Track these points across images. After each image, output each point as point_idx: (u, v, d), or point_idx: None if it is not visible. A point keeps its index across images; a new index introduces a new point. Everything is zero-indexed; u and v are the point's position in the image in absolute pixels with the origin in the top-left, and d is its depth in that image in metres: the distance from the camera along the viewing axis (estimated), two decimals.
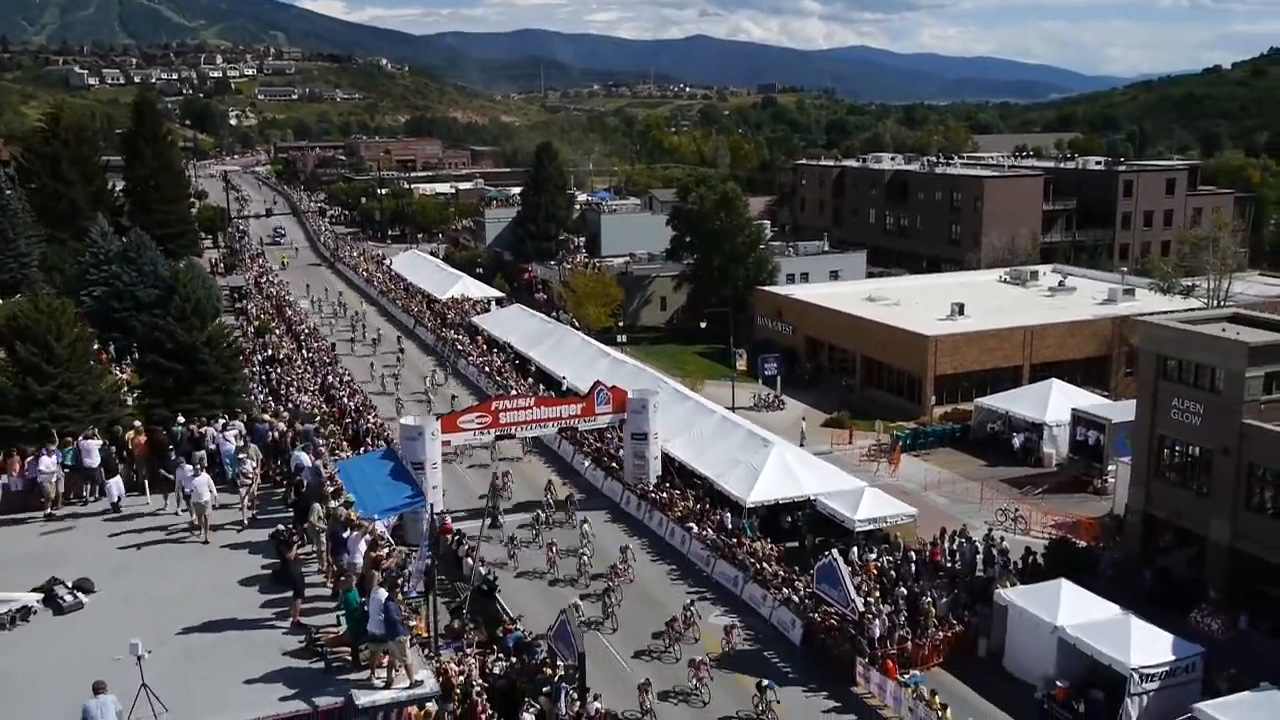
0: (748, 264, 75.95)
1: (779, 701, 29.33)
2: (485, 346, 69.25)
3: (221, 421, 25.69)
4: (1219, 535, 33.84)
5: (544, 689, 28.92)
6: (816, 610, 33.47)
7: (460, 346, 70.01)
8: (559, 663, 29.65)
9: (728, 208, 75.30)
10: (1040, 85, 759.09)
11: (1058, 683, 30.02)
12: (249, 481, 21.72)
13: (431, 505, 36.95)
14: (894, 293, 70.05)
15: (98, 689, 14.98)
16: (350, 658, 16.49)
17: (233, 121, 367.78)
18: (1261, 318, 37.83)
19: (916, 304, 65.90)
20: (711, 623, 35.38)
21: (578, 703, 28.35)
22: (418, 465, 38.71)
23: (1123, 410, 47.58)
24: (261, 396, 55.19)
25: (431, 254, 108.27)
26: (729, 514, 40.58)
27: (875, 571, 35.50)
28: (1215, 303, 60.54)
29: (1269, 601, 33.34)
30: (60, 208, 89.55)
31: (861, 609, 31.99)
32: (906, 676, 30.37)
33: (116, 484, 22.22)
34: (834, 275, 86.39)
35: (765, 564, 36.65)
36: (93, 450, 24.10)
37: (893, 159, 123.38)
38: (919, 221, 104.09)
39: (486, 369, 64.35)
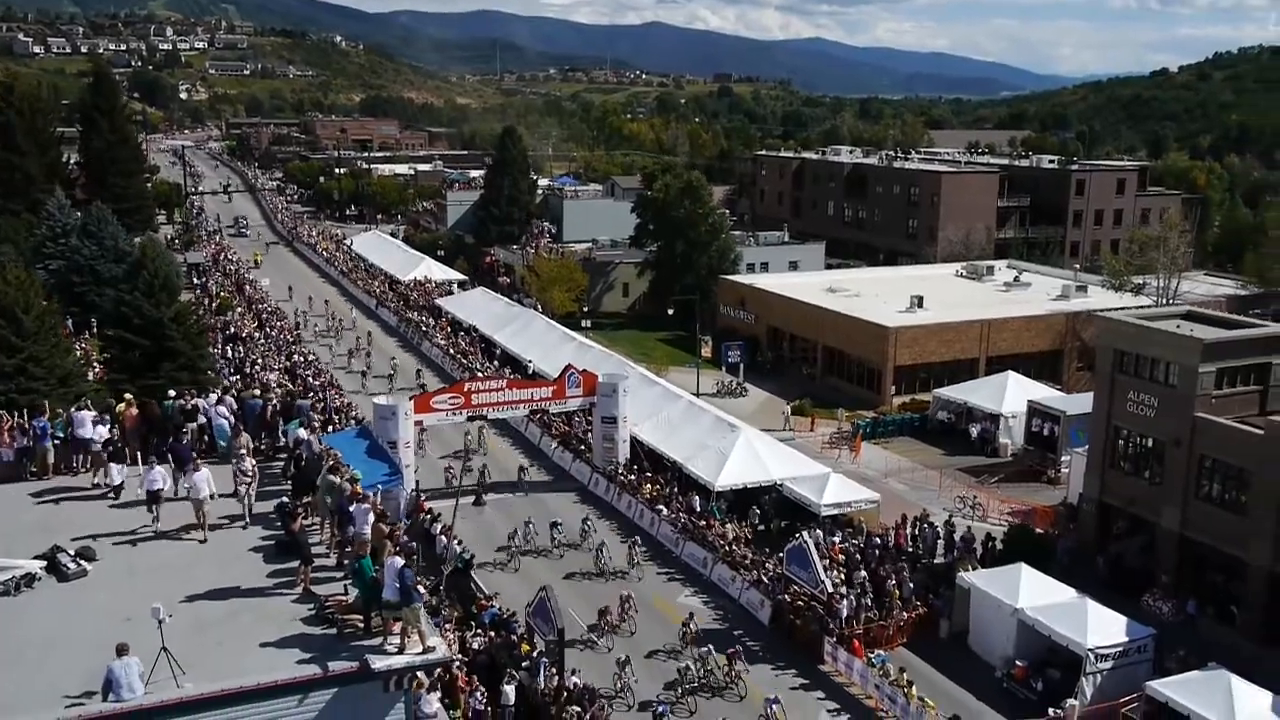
0: (711, 252, 76.84)
1: (747, 671, 30.27)
2: (449, 329, 69.49)
3: (213, 395, 25.97)
4: (1170, 523, 35.29)
5: (523, 664, 29.70)
6: (785, 591, 34.42)
7: (424, 328, 70.19)
8: (537, 639, 30.43)
9: (692, 196, 76.12)
10: (993, 82, 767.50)
11: (1017, 662, 31.33)
12: (249, 480, 21.06)
13: (417, 484, 37.62)
14: (854, 284, 71.33)
15: (121, 650, 15.38)
16: (362, 625, 17.02)
17: (183, 95, 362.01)
18: (1214, 315, 39.41)
19: (876, 296, 67.12)
20: (680, 602, 36.35)
21: (557, 677, 29.13)
22: (391, 444, 39.08)
23: (1077, 403, 49.30)
24: (229, 374, 55.10)
25: (391, 235, 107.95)
26: (697, 497, 41.45)
27: (840, 555, 36.54)
28: (1165, 300, 62.45)
29: (1215, 587, 34.88)
30: (14, 179, 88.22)
31: (830, 590, 32.99)
32: (873, 655, 31.45)
33: (119, 469, 22.25)
34: (793, 266, 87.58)
35: (735, 546, 37.57)
36: (86, 421, 24.27)
37: (851, 152, 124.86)
38: (877, 215, 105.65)
39: (451, 351, 64.65)
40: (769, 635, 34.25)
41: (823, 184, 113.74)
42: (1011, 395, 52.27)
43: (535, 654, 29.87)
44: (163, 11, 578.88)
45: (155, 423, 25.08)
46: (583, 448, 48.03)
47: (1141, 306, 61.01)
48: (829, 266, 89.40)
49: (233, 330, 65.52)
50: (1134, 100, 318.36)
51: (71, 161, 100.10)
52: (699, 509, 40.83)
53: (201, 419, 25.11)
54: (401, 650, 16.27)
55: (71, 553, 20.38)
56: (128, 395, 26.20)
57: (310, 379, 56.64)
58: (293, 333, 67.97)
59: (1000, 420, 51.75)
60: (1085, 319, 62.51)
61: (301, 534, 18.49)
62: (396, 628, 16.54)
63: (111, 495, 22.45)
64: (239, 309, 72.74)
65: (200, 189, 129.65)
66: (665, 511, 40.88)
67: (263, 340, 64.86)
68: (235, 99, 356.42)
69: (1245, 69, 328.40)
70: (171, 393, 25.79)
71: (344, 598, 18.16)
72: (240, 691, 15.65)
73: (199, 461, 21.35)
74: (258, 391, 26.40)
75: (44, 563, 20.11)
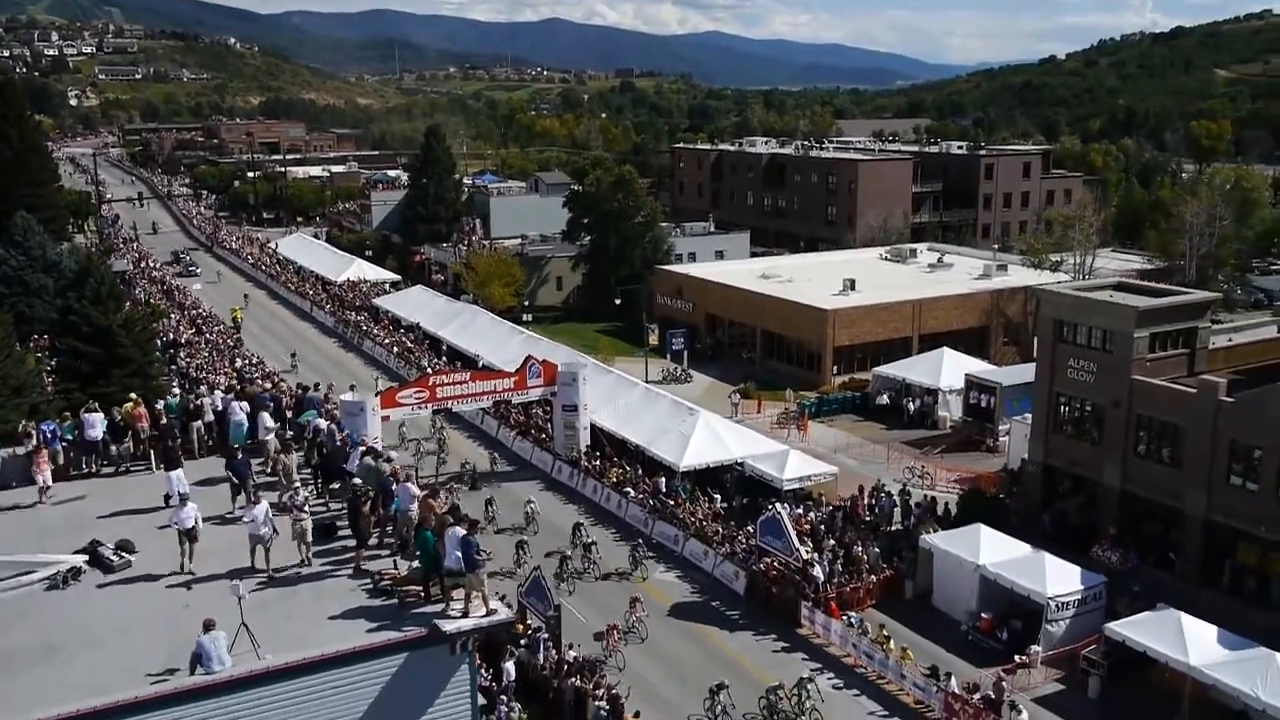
0: (644, 244, 78.29)
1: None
2: (391, 327, 69.78)
3: (218, 392, 26.51)
4: (1111, 480, 37.72)
5: (521, 641, 30.81)
6: (759, 562, 36.02)
7: (364, 328, 70.36)
8: (529, 618, 31.50)
9: (624, 189, 77.43)
10: (887, 72, 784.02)
11: (982, 615, 33.38)
12: (305, 515, 19.65)
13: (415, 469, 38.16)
14: (785, 270, 73.41)
15: (208, 626, 16.19)
16: (422, 594, 18.04)
17: (73, 102, 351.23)
18: (1143, 285, 42.08)
19: (809, 281, 69.22)
20: (657, 579, 37.73)
21: (555, 652, 30.31)
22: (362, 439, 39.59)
23: (1012, 375, 52.01)
24: (176, 379, 54.82)
25: (314, 237, 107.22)
26: (663, 479, 42.84)
27: (807, 526, 38.26)
28: (1082, 276, 65.65)
29: (1154, 537, 37.44)
30: None
31: (805, 557, 34.68)
32: (849, 616, 33.24)
33: (178, 476, 21.36)
34: (719, 255, 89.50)
35: (705, 523, 39.08)
36: (95, 424, 24.70)
37: (767, 143, 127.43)
38: (796, 203, 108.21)
39: (395, 349, 65.05)
40: (745, 605, 35.84)
41: (741, 174, 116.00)
42: (947, 370, 54.69)
43: (533, 631, 31.01)
44: (44, 15, 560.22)
45: (162, 423, 25.62)
46: (543, 437, 49.09)
47: (1060, 282, 64.29)
48: (753, 255, 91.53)
49: (171, 336, 64.98)
50: (1025, 87, 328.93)
51: None
52: (665, 490, 42.22)
53: (208, 417, 25.69)
54: (466, 614, 17.33)
55: (111, 547, 20.99)
56: (133, 395, 26.58)
57: (260, 380, 56.67)
58: (234, 336, 67.57)
59: (938, 394, 54.13)
60: (1009, 296, 65.62)
61: (365, 519, 19.33)
62: (458, 594, 17.59)
63: (175, 502, 21.52)
64: (174, 315, 72.02)
65: (110, 197, 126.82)
66: (633, 493, 42.21)
67: (203, 345, 64.49)
68: (129, 104, 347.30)
69: (1129, 55, 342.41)
70: (175, 390, 26.29)
71: (395, 571, 19.15)
72: (320, 659, 16.59)
73: (258, 492, 20.89)
74: (267, 386, 26.90)
75: (85, 557, 20.69)
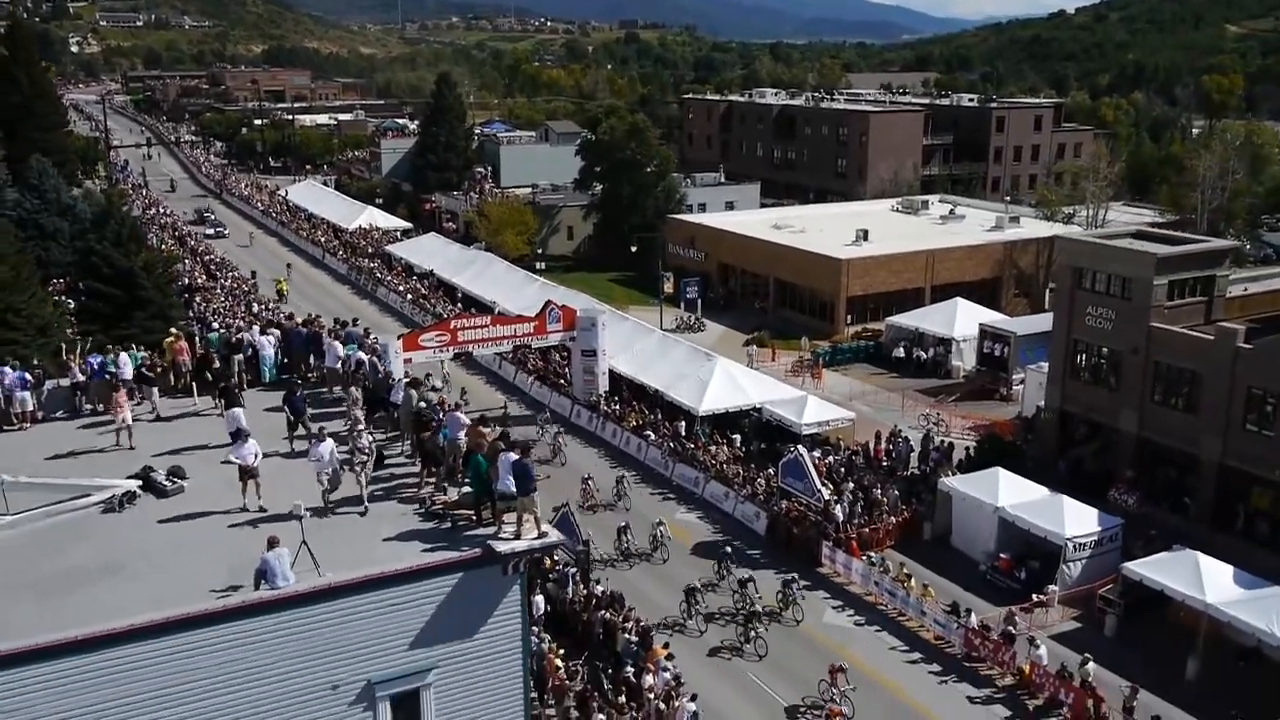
0: (656, 193, 78.31)
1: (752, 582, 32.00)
2: (404, 274, 70.02)
3: (256, 327, 26.86)
4: (1128, 426, 38.23)
5: (550, 575, 31.46)
6: (779, 503, 36.61)
7: (378, 276, 70.61)
8: (557, 554, 32.10)
9: (638, 138, 77.31)
10: (893, 25, 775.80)
11: (1001, 555, 34.00)
12: (365, 458, 19.52)
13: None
14: (798, 221, 73.52)
15: (272, 543, 16.63)
16: (474, 518, 18.52)
17: (74, 49, 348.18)
18: (1162, 234, 42.40)
19: (821, 231, 69.37)
20: (678, 519, 38.38)
21: (584, 586, 30.96)
22: None
23: (1026, 324, 52.41)
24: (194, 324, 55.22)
25: (324, 185, 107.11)
26: (682, 423, 43.36)
27: (825, 469, 38.82)
28: (1094, 228, 65.75)
29: (1168, 482, 38.02)
30: None
31: (827, 497, 35.26)
32: (870, 555, 33.87)
33: (238, 414, 20.95)
34: (730, 206, 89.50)
35: (725, 465, 39.65)
36: (124, 364, 25.02)
37: (776, 94, 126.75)
38: (806, 155, 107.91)
39: (410, 296, 65.35)
40: (765, 544, 36.50)
41: (751, 126, 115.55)
42: (961, 320, 55.02)
43: (561, 566, 31.65)
44: None
45: (204, 356, 26.00)
46: (561, 381, 49.55)
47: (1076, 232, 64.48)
48: (763, 206, 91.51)
49: (186, 282, 65.23)
50: (1034, 41, 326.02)
51: None
52: (684, 433, 42.76)
53: (250, 351, 26.04)
54: (518, 536, 17.82)
55: (163, 472, 21.47)
56: (173, 329, 26.94)
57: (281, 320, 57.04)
58: (248, 281, 67.85)
59: (952, 343, 54.51)
60: (1021, 247, 65.82)
61: (433, 443, 19.75)
62: (510, 518, 18.05)
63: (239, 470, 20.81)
64: (187, 262, 72.23)
65: (119, 142, 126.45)
66: (653, 437, 42.73)
67: (218, 290, 64.80)
68: (130, 51, 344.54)
69: (1138, 10, 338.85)
70: (215, 325, 26.64)
71: (445, 497, 19.63)
72: (379, 577, 17.06)
73: (324, 430, 20.19)
74: (300, 320, 27.27)
75: (139, 482, 21.16)
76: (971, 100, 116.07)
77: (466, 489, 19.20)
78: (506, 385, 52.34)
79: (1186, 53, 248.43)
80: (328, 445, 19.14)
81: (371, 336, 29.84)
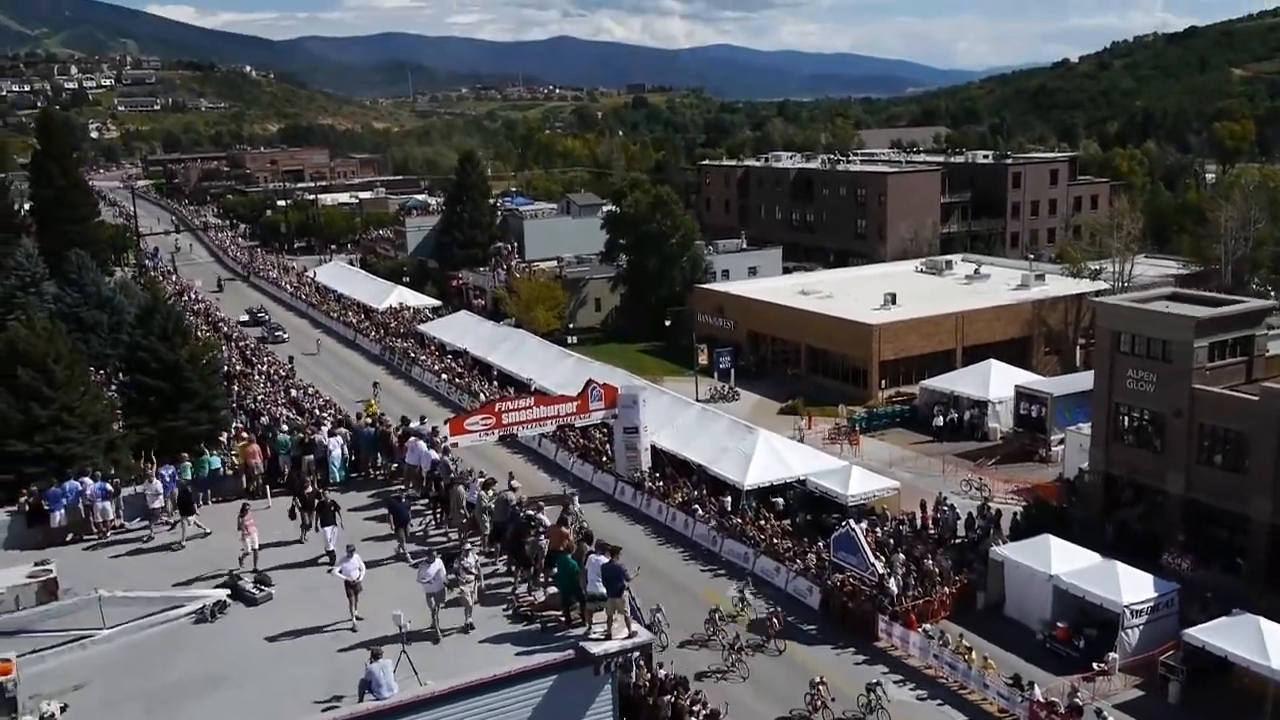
0: (683, 264, 79.37)
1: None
2: (438, 353, 70.91)
3: (325, 428, 27.57)
4: (1175, 488, 38.45)
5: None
6: (833, 577, 36.84)
7: (412, 355, 71.52)
8: None
9: (662, 210, 78.53)
10: (898, 79, 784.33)
11: (1058, 624, 34.09)
12: (471, 577, 19.54)
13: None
14: (824, 286, 74.30)
15: (376, 654, 17.18)
16: (564, 619, 19.00)
17: (94, 135, 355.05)
18: (1195, 294, 42.89)
19: (848, 295, 70.08)
20: (730, 596, 38.58)
21: (647, 669, 31.12)
22: None
23: (1062, 384, 52.76)
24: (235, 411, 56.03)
25: (350, 264, 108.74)
26: (728, 498, 43.70)
27: (875, 540, 39.04)
28: (1121, 284, 66.32)
29: (1218, 543, 38.12)
30: None
31: (881, 571, 35.50)
32: (926, 628, 34.03)
33: (334, 533, 22.13)
34: (752, 271, 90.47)
35: (775, 539, 39.94)
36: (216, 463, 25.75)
37: (791, 157, 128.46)
38: (825, 217, 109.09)
39: (445, 375, 66.13)
40: (820, 619, 36.66)
41: (769, 190, 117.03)
42: (996, 382, 55.42)
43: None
44: (60, 48, 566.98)
45: (273, 458, 26.70)
46: (603, 459, 50.03)
47: (1101, 291, 64.98)
48: (785, 270, 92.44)
49: (225, 369, 66.14)
50: (1040, 91, 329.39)
51: (22, 209, 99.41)
52: (730, 508, 43.08)
53: (322, 453, 26.72)
54: (609, 637, 18.27)
55: (249, 580, 22.04)
56: (244, 434, 27.66)
57: (318, 410, 57.79)
58: (284, 367, 68.80)
59: (988, 405, 54.84)
60: (1050, 305, 66.34)
61: (535, 549, 20.24)
62: (598, 617, 18.53)
63: (325, 559, 22.53)
64: (223, 347, 73.28)
65: (147, 229, 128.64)
66: (700, 512, 43.09)
67: (257, 376, 65.72)
68: (149, 135, 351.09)
69: (1143, 56, 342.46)
70: (285, 427, 27.35)
71: (531, 598, 20.11)
72: (479, 683, 17.56)
73: (435, 550, 20.76)
74: (369, 420, 27.96)
75: (228, 590, 21.74)
76: (986, 156, 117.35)
77: (553, 589, 19.72)
78: (548, 464, 52.83)
79: (1194, 97, 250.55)
80: (437, 565, 19.35)
81: (431, 427, 30.53)
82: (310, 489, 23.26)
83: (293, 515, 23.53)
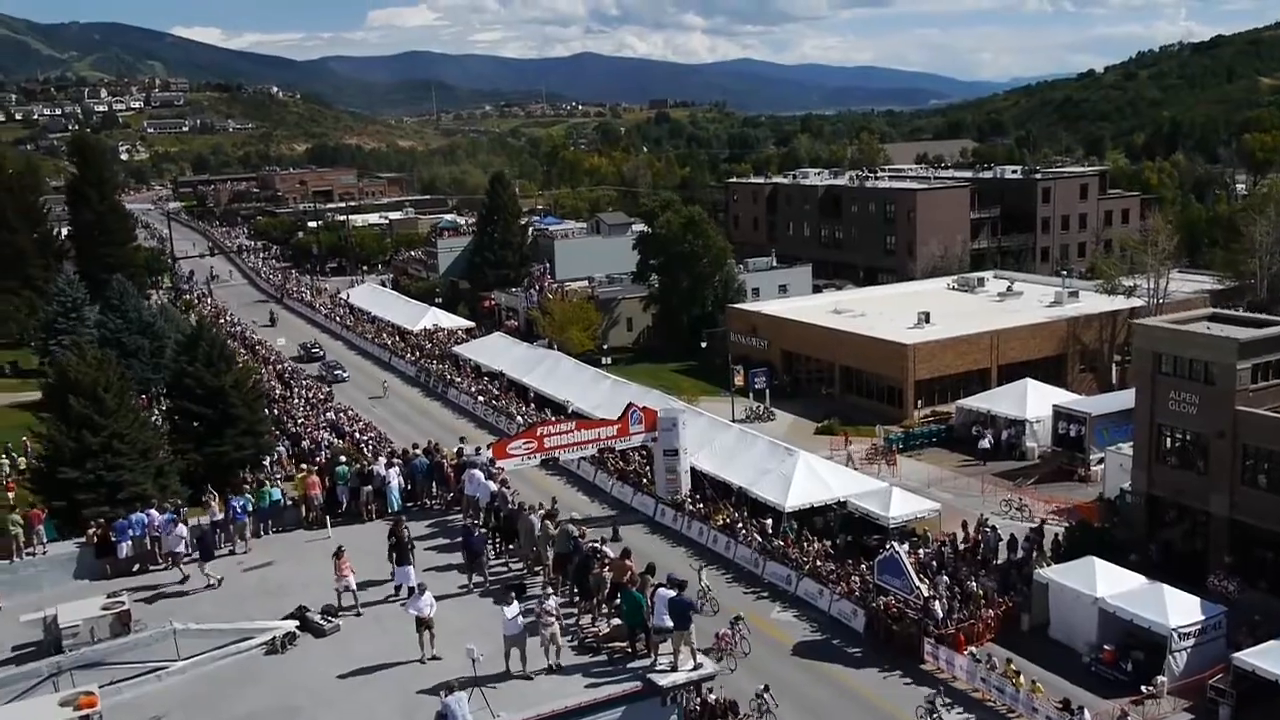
0: (715, 284, 79.79)
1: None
2: (473, 375, 71.50)
3: (382, 459, 28.09)
4: (1219, 509, 38.43)
5: None
6: (877, 599, 37.02)
7: (448, 377, 72.15)
8: None
9: (694, 230, 78.99)
10: (921, 92, 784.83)
11: (1104, 646, 34.14)
12: (553, 619, 19.40)
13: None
14: (857, 304, 74.46)
15: (451, 688, 17.58)
16: (630, 650, 19.36)
17: (124, 157, 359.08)
18: (1235, 315, 42.93)
19: (881, 314, 70.25)
20: (774, 618, 38.87)
21: (697, 696, 31.38)
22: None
23: (1099, 404, 52.77)
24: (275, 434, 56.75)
25: (381, 285, 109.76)
26: (769, 520, 43.96)
27: (918, 562, 39.21)
28: (1156, 300, 66.21)
29: (1264, 563, 38.07)
30: (6, 255, 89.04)
31: (926, 594, 35.67)
32: (973, 650, 34.16)
33: (408, 572, 22.44)
34: (783, 289, 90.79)
35: (818, 562, 40.16)
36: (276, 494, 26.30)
37: (820, 174, 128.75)
38: (853, 234, 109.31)
39: (481, 397, 66.68)
40: (865, 642, 36.84)
41: (797, 207, 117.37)
42: (1033, 401, 55.46)
43: None
44: (90, 72, 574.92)
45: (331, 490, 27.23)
46: (643, 481, 50.37)
47: (1136, 308, 64.95)
48: (816, 288, 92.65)
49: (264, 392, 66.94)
50: (1065, 102, 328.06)
51: (61, 234, 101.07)
52: (772, 530, 43.32)
53: (381, 484, 27.22)
54: (675, 668, 18.62)
55: (317, 612, 22.51)
56: (304, 466, 28.21)
57: (358, 433, 58.50)
58: (322, 389, 69.56)
59: (1025, 425, 54.85)
60: (1085, 323, 66.26)
61: (599, 577, 20.63)
62: (664, 649, 18.89)
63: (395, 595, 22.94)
64: (261, 370, 74.15)
65: (182, 253, 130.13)
66: (743, 534, 43.35)
67: (296, 399, 66.50)
68: (178, 157, 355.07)
69: (1168, 66, 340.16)
70: (343, 459, 27.90)
71: (595, 629, 20.49)
72: (551, 715, 17.94)
73: (513, 594, 20.11)
74: (419, 451, 28.46)
75: (296, 622, 22.22)
76: (1015, 171, 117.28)
77: (616, 621, 20.09)
78: (587, 485, 53.22)
79: (1222, 107, 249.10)
80: (515, 607, 19.38)
81: (487, 457, 30.92)
82: (406, 537, 23.18)
83: (390, 557, 23.31)
